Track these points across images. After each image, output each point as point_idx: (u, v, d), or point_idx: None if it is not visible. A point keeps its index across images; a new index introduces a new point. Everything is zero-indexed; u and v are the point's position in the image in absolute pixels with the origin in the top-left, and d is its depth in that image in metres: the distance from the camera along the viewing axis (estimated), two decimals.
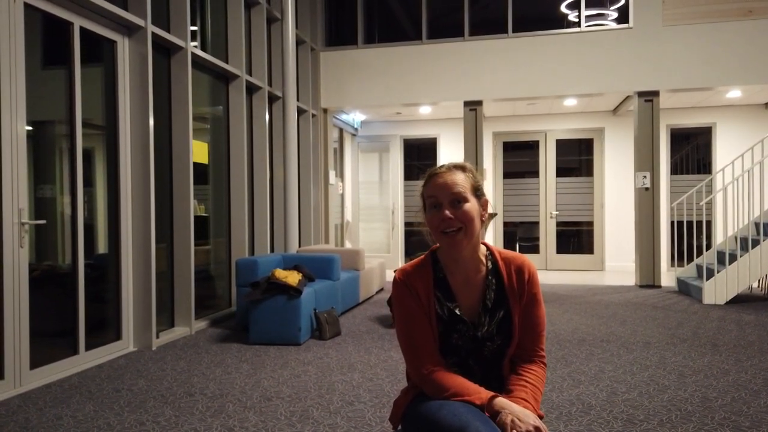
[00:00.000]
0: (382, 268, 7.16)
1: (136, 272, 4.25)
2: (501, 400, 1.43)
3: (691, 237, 8.36)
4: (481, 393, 1.46)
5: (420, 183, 1.65)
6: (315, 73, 7.91)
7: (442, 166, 1.61)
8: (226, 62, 5.69)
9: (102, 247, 4.12)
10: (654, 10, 7.07)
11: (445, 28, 7.81)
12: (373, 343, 4.35)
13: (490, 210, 1.68)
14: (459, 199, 1.54)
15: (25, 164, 3.31)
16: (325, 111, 8.08)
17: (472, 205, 1.55)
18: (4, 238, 3.17)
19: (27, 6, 3.37)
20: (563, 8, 7.59)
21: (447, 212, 1.53)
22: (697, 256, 7.33)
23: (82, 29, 3.83)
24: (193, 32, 5.26)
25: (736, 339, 4.30)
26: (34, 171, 3.51)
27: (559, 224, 9.39)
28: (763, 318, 5.08)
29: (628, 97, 7.77)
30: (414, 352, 1.58)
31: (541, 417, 1.46)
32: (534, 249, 9.44)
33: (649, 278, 7.19)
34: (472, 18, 7.69)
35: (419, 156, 10.03)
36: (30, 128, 3.43)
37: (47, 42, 3.66)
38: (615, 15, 7.40)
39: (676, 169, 8.96)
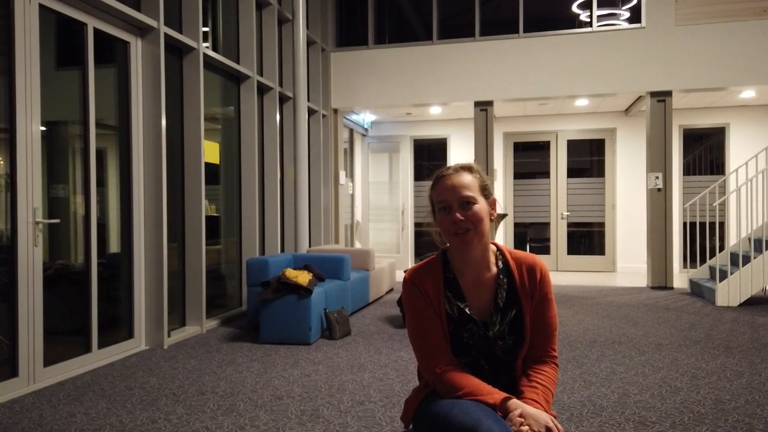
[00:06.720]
0: (392, 268, 7.16)
1: (148, 271, 4.28)
2: (514, 402, 1.43)
3: (703, 238, 8.28)
4: (494, 394, 1.46)
5: (430, 183, 1.66)
6: (326, 73, 7.93)
7: (448, 168, 1.62)
8: (238, 63, 5.72)
9: (114, 246, 4.15)
10: (667, 9, 7.02)
11: (456, 28, 7.79)
12: (383, 343, 4.35)
13: (499, 210, 1.68)
14: (468, 201, 1.55)
15: (39, 164, 3.35)
16: (335, 111, 8.09)
17: (481, 206, 1.56)
18: (18, 236, 3.21)
19: (42, 7, 3.41)
20: (575, 8, 7.55)
21: (457, 214, 1.54)
22: (710, 258, 7.26)
23: (96, 30, 3.87)
24: (205, 33, 5.30)
25: (749, 341, 4.25)
26: (48, 171, 3.55)
27: (570, 225, 9.34)
28: None
29: (640, 98, 7.72)
30: (426, 351, 1.58)
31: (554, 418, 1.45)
32: (545, 250, 9.40)
33: (661, 280, 7.13)
34: (483, 18, 7.67)
35: (429, 156, 10.02)
36: (44, 128, 3.47)
37: (61, 43, 3.70)
38: (627, 15, 7.35)
39: (688, 170, 8.88)
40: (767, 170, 6.11)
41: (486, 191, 1.60)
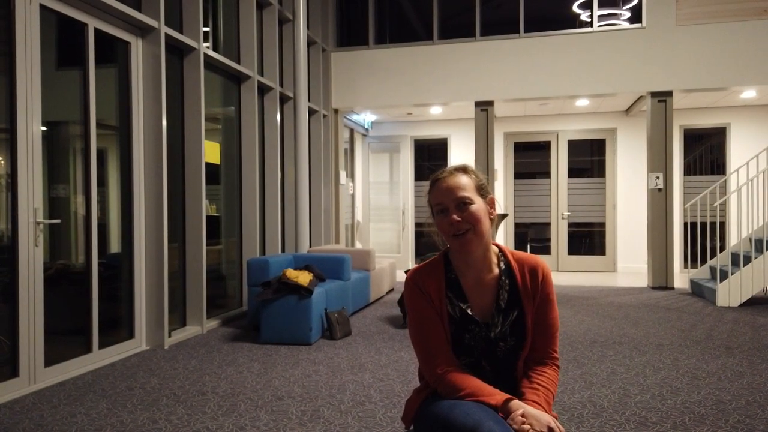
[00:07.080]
0: (392, 268, 7.16)
1: (149, 271, 4.28)
2: (516, 402, 1.43)
3: (704, 238, 8.28)
4: (495, 395, 1.46)
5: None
6: (326, 73, 7.93)
7: (443, 171, 1.62)
8: (238, 63, 5.72)
9: (115, 246, 4.15)
10: (667, 9, 7.01)
11: (457, 28, 7.79)
12: (384, 343, 4.35)
13: (499, 210, 1.69)
14: (464, 202, 1.55)
15: (39, 164, 3.35)
16: (336, 111, 8.09)
17: (478, 206, 1.56)
18: (19, 237, 3.21)
19: (42, 7, 3.41)
20: (575, 8, 7.55)
21: (454, 216, 1.55)
22: (711, 258, 7.26)
23: (97, 30, 3.87)
24: (206, 33, 5.30)
25: (750, 341, 4.25)
26: (48, 171, 3.55)
27: (570, 225, 9.34)
28: None
29: (640, 98, 7.72)
30: (428, 352, 1.58)
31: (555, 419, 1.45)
32: (545, 250, 9.39)
33: (661, 280, 7.13)
34: (484, 18, 7.67)
35: (430, 156, 10.01)
36: (45, 128, 3.47)
37: (62, 43, 3.70)
38: (628, 15, 7.35)
39: (689, 170, 8.88)
40: None
41: (482, 191, 1.60)
